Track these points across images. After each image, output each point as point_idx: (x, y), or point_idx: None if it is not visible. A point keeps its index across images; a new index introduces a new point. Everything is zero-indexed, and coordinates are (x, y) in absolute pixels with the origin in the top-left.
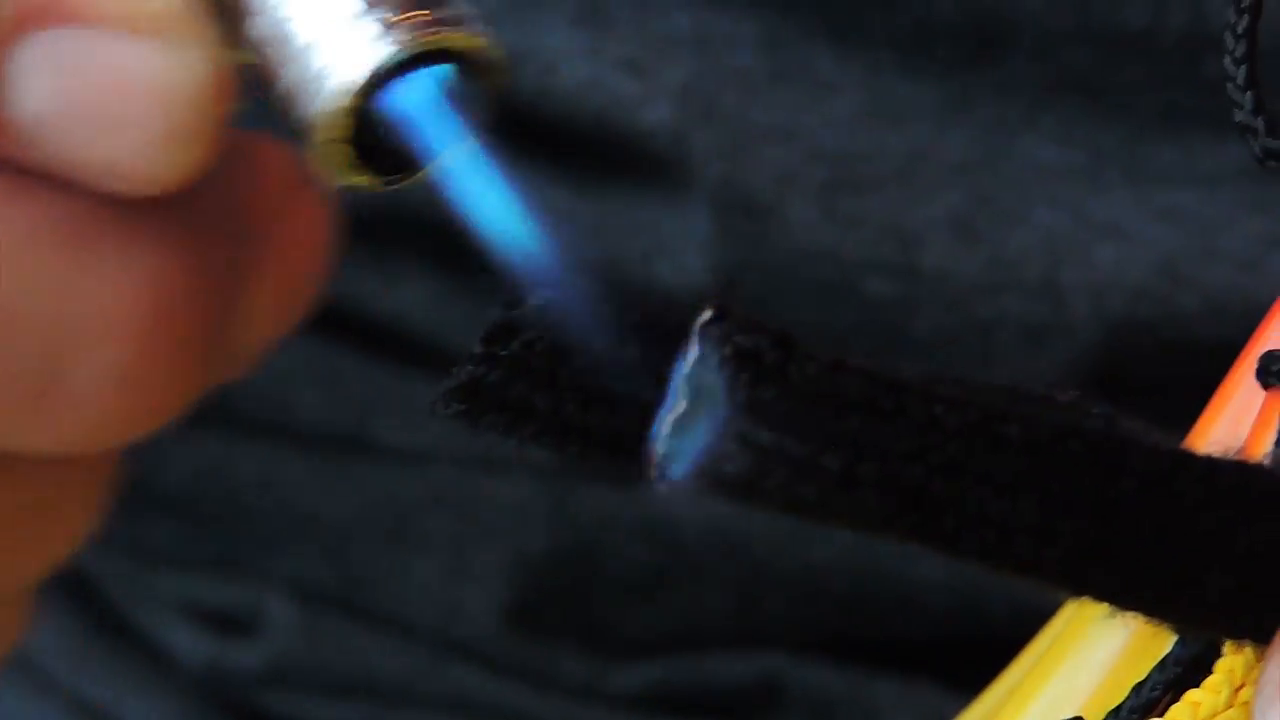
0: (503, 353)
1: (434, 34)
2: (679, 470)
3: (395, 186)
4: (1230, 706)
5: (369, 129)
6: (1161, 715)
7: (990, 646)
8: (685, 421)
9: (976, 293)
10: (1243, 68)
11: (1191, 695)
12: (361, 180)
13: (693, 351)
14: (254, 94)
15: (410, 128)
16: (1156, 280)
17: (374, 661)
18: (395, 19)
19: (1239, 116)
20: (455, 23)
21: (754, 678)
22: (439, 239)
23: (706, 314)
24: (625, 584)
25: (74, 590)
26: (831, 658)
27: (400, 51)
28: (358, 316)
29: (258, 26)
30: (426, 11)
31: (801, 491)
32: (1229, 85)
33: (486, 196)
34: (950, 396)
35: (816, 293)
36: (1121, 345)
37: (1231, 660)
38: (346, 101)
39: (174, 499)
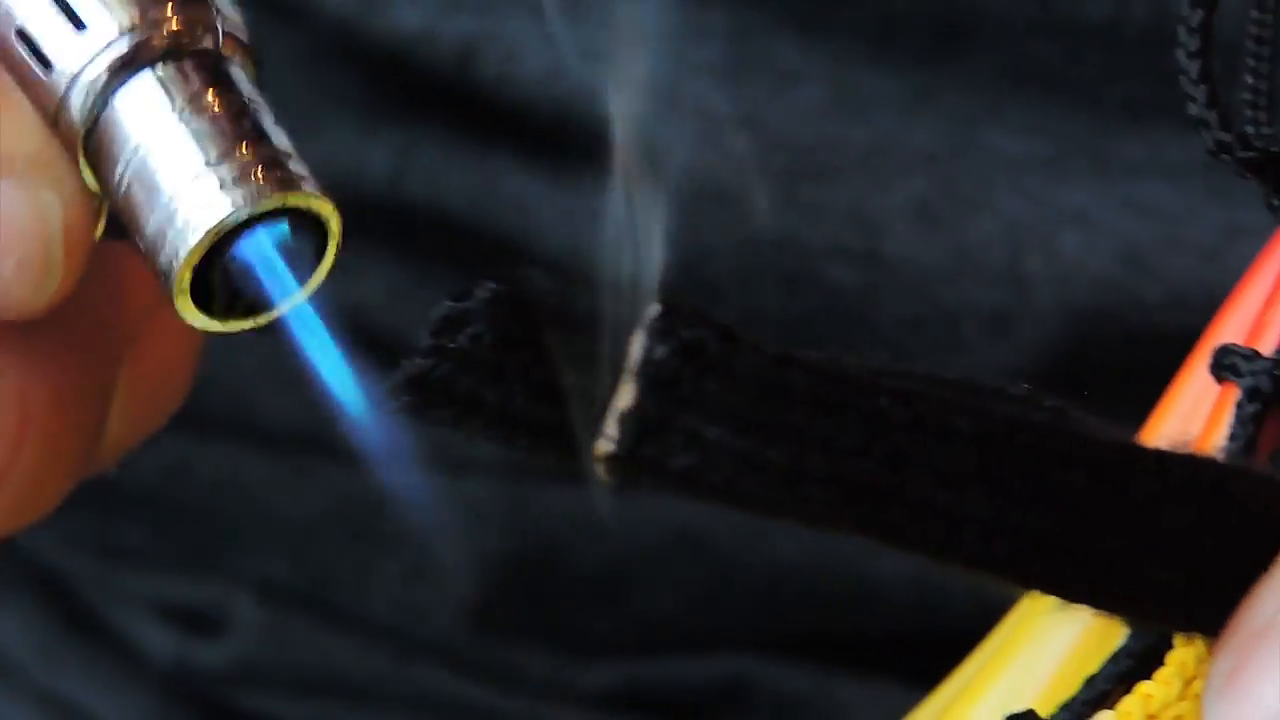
0: (450, 345)
1: (278, 191)
2: (626, 464)
3: (247, 329)
4: (1182, 699)
5: (222, 276)
6: (1113, 708)
7: (954, 643)
8: (632, 415)
9: (940, 280)
10: (1197, 62)
11: (1143, 687)
12: (214, 325)
13: (639, 345)
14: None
15: (256, 276)
16: (1120, 270)
17: (339, 660)
18: (242, 175)
19: (1193, 110)
20: (295, 175)
21: (719, 678)
22: (398, 231)
23: (654, 308)
24: (588, 583)
25: (44, 588)
26: (795, 656)
27: (244, 209)
28: None
29: (120, 176)
30: (273, 167)
31: (747, 485)
32: (1183, 79)
33: (320, 344)
34: (897, 389)
35: (779, 280)
36: (1085, 334)
37: (1183, 653)
38: (194, 255)
39: (140, 499)
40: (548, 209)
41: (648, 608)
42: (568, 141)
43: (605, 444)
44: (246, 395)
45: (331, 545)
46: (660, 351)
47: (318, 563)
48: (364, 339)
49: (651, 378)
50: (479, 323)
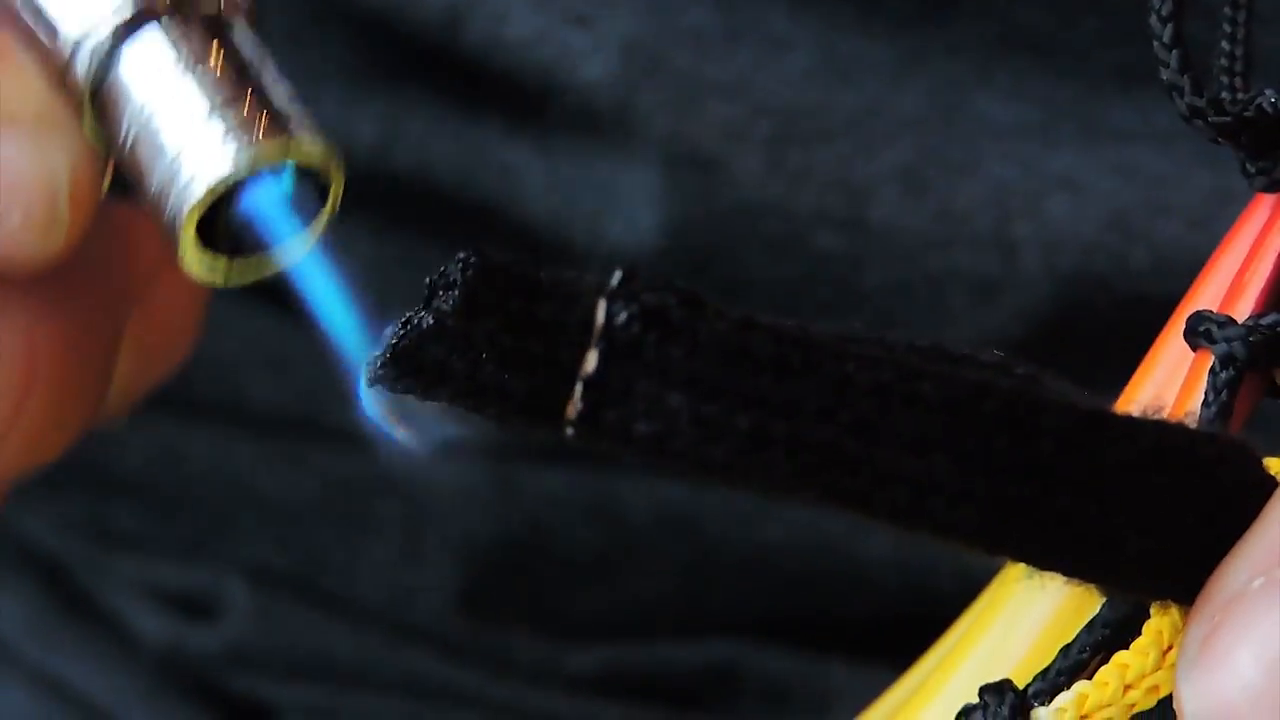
0: (419, 316)
1: (278, 147)
2: (589, 430)
3: (252, 280)
4: (1159, 668)
5: (226, 229)
6: (1090, 677)
7: (943, 626)
8: (594, 381)
9: (926, 246)
10: (1169, 25)
11: (1120, 657)
12: (220, 277)
13: (601, 311)
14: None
15: (260, 228)
16: (1108, 235)
17: (330, 644)
18: (244, 132)
19: (1166, 75)
20: (296, 129)
21: (707, 661)
22: (385, 201)
23: (616, 275)
24: (575, 567)
25: (39, 571)
26: (783, 640)
27: (244, 166)
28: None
29: (125, 134)
30: (274, 123)
31: (711, 452)
32: (1155, 44)
33: (325, 288)
34: (863, 354)
35: (766, 246)
36: (1072, 300)
37: (1159, 622)
38: (196, 210)
39: (131, 483)
40: (534, 176)
41: (635, 591)
42: (555, 107)
43: (571, 410)
44: (235, 380)
45: (321, 529)
46: (622, 317)
47: (308, 547)
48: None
49: (613, 344)
50: (448, 293)
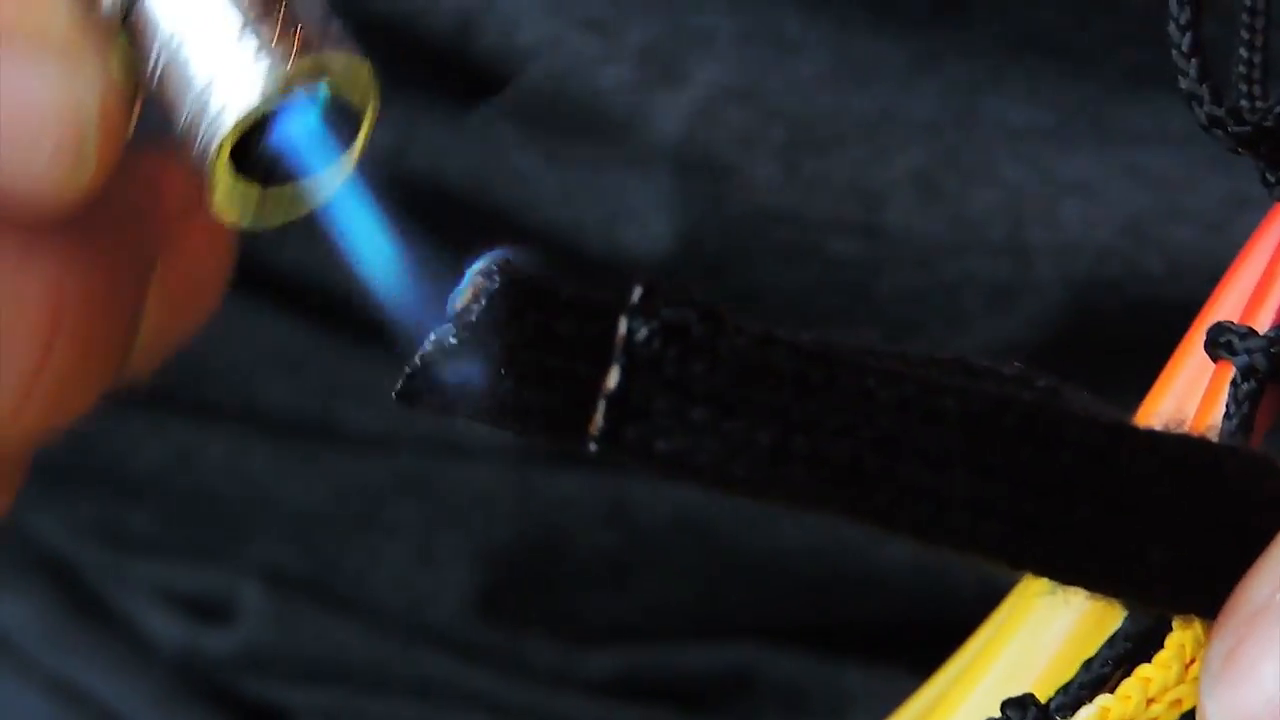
0: (439, 330)
1: (311, 62)
2: (611, 446)
3: (284, 219)
4: (1181, 682)
5: (257, 164)
6: (1112, 691)
7: (959, 631)
8: (615, 397)
9: (941, 252)
10: (1188, 33)
11: (1142, 670)
12: (252, 212)
13: (622, 326)
14: (156, 125)
15: (294, 158)
16: (1122, 240)
17: (346, 647)
18: (274, 49)
19: (1185, 84)
20: (331, 45)
21: (723, 665)
22: (398, 208)
23: (636, 290)
24: (592, 570)
25: (53, 575)
26: (801, 644)
27: (278, 82)
28: (313, 290)
29: (155, 59)
30: (304, 37)
31: (733, 467)
32: (1174, 52)
33: (360, 220)
34: (884, 370)
35: (780, 253)
36: (1086, 305)
37: (1181, 635)
38: (230, 134)
39: (146, 487)
40: (546, 182)
41: (651, 595)
42: (567, 114)
43: (593, 427)
44: (250, 382)
45: (337, 532)
46: (642, 334)
47: (324, 550)
48: (361, 322)
49: (634, 360)
50: (468, 308)
